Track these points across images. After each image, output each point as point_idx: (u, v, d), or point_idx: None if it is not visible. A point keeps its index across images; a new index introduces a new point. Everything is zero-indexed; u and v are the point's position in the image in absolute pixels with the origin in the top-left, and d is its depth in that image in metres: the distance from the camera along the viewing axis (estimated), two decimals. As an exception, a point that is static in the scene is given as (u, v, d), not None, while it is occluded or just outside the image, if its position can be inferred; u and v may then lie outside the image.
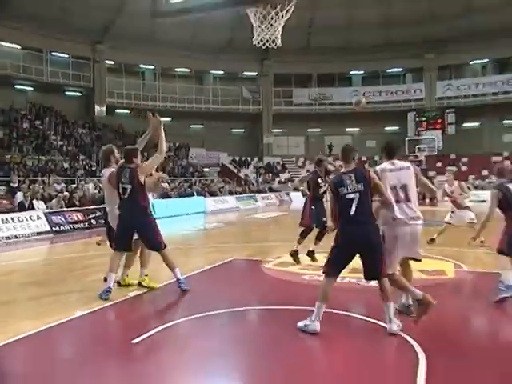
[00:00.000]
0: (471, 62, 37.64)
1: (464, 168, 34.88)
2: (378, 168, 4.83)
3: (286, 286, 6.47)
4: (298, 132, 41.17)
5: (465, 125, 37.27)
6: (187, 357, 4.00)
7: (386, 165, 4.82)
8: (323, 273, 4.63)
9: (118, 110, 35.89)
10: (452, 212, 10.01)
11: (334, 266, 4.54)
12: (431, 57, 36.80)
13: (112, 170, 6.09)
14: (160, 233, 5.95)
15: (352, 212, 4.37)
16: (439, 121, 37.37)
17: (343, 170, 4.66)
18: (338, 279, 6.51)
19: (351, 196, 4.40)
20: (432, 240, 9.66)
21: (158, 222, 6.05)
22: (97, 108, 33.72)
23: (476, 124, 37.61)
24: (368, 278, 4.57)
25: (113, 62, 35.35)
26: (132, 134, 30.58)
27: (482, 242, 8.61)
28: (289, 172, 39.12)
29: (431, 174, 32.92)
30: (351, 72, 40.28)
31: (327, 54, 36.45)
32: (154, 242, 5.93)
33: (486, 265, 7.71)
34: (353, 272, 7.01)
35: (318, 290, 4.48)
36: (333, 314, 4.87)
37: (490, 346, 4.16)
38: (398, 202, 4.60)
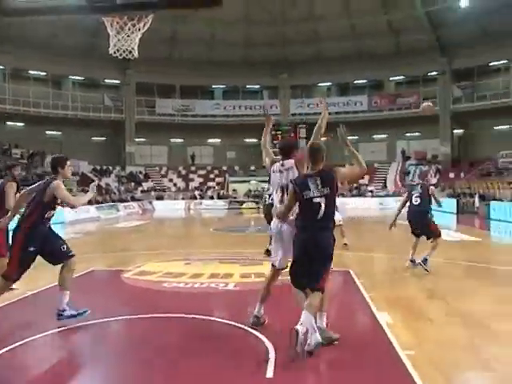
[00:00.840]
0: (319, 84, 40.81)
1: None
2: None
3: (145, 295, 6.34)
4: (161, 141, 40.65)
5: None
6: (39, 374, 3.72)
7: (277, 165, 4.67)
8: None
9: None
10: None
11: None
12: (285, 77, 39.08)
13: None
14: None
15: (319, 217, 4.01)
16: (292, 135, 39.76)
17: (308, 172, 4.28)
18: (197, 285, 6.66)
19: (317, 200, 4.01)
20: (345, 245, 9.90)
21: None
22: None
23: (323, 139, 40.55)
24: (303, 287, 4.12)
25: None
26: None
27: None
28: (152, 181, 38.44)
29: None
30: (213, 86, 41.05)
31: (190, 67, 36.74)
32: None
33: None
34: (212, 277, 7.21)
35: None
36: (194, 319, 4.91)
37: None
38: (281, 202, 4.45)
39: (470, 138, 36.37)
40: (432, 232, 7.67)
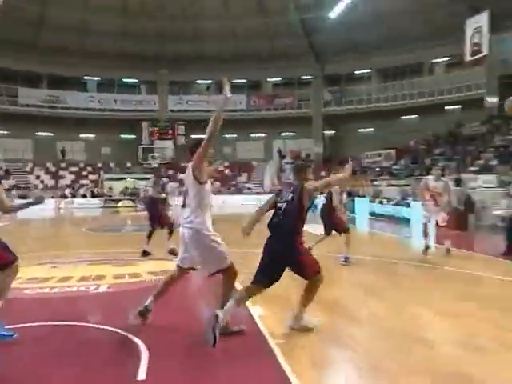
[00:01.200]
0: (198, 81, 40.83)
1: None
2: None
3: (8, 303, 5.78)
4: (24, 135, 37.41)
5: (193, 136, 39.97)
6: None
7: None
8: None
9: None
10: None
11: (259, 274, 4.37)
12: (164, 72, 38.47)
13: None
14: None
15: (273, 220, 4.36)
16: (171, 131, 39.35)
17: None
18: (65, 289, 6.27)
19: (279, 205, 4.38)
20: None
21: None
22: None
23: (202, 136, 40.20)
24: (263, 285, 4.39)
25: None
26: None
27: None
28: (14, 178, 35.03)
29: (164, 180, 34.23)
30: (86, 77, 38.92)
31: (60, 55, 34.39)
32: None
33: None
34: (82, 280, 6.83)
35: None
36: (64, 326, 4.64)
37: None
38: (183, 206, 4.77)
39: (339, 139, 39.13)
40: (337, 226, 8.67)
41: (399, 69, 35.36)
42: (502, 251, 9.21)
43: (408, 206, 18.40)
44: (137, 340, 4.16)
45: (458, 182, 18.53)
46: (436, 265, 8.18)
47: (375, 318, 4.99)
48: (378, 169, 31.94)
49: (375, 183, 28.04)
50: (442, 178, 9.39)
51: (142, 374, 3.46)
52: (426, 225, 9.43)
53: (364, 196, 24.42)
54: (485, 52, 26.83)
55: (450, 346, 4.09)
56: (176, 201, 11.07)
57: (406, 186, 23.07)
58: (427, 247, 9.11)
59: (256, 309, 5.10)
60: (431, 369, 3.58)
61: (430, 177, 9.53)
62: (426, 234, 9.28)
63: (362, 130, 37.98)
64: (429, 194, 9.38)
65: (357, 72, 37.57)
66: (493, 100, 29.31)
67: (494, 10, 26.19)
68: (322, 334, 4.38)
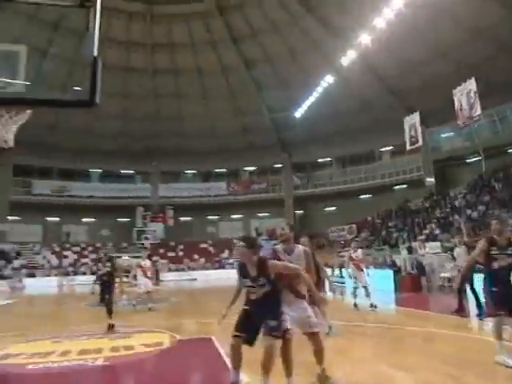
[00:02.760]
0: (185, 171, 41.56)
1: (181, 253, 36.89)
2: None
3: (10, 380, 5.39)
4: (35, 220, 36.88)
5: (181, 218, 40.02)
6: None
7: None
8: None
9: None
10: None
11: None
12: (155, 164, 39.07)
13: None
14: None
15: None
16: (161, 215, 39.24)
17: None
18: (65, 363, 5.90)
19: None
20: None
21: None
22: None
23: (188, 218, 40.79)
24: None
25: None
26: None
27: None
28: (24, 258, 33.97)
29: (155, 258, 33.52)
30: (90, 170, 39.26)
31: (69, 151, 34.96)
32: None
33: (192, 332, 8.11)
34: (81, 353, 6.44)
35: None
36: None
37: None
38: None
39: (308, 217, 39.50)
40: None
41: (355, 156, 36.76)
42: (453, 309, 9.12)
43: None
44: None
45: (410, 250, 18.74)
46: (397, 325, 8.04)
47: (342, 374, 4.75)
48: (342, 241, 32.08)
49: (340, 254, 28.02)
50: (358, 250, 10.80)
51: None
52: (355, 288, 10.61)
53: (331, 266, 24.22)
54: (420, 142, 28.34)
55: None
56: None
57: (367, 255, 23.07)
58: (355, 305, 10.29)
59: (242, 376, 4.84)
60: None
61: (351, 249, 10.92)
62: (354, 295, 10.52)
63: (327, 208, 38.58)
64: (352, 263, 10.63)
65: (320, 160, 38.86)
66: (431, 180, 30.69)
67: (423, 110, 28.10)
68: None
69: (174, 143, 37.83)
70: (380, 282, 14.76)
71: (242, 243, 4.24)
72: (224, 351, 6.13)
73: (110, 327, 8.25)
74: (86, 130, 35.16)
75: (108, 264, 9.17)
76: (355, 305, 10.29)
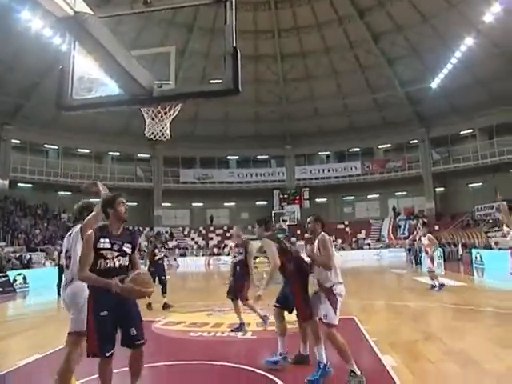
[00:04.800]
0: (319, 153, 41.51)
1: (317, 234, 37.11)
2: None
3: (176, 343, 6.15)
4: (183, 205, 41.09)
5: (316, 200, 40.30)
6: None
7: None
8: None
9: (20, 184, 33.03)
10: None
11: None
12: (289, 147, 39.92)
13: None
14: None
15: None
16: (297, 197, 39.99)
17: None
18: (218, 334, 6.48)
19: None
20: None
21: None
22: (-1, 181, 30.87)
23: (324, 199, 40.88)
24: None
25: (19, 141, 32.91)
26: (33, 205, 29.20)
27: None
28: (176, 240, 38.32)
29: (293, 239, 34.44)
30: (228, 157, 41.88)
31: (209, 141, 37.82)
32: None
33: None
34: (231, 326, 6.95)
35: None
36: (221, 366, 4.76)
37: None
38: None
39: (450, 195, 36.26)
40: None
41: (503, 126, 32.05)
42: None
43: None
44: (279, 381, 4.11)
45: None
46: None
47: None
48: (490, 220, 28.70)
49: (489, 235, 25.15)
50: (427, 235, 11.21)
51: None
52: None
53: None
54: None
55: None
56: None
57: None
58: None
59: (387, 358, 4.72)
60: None
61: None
62: None
63: (471, 184, 34.87)
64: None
65: (462, 132, 35.15)
66: None
67: None
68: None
69: (306, 125, 38.03)
70: None
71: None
72: (364, 328, 6.27)
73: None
74: (223, 120, 37.61)
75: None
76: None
